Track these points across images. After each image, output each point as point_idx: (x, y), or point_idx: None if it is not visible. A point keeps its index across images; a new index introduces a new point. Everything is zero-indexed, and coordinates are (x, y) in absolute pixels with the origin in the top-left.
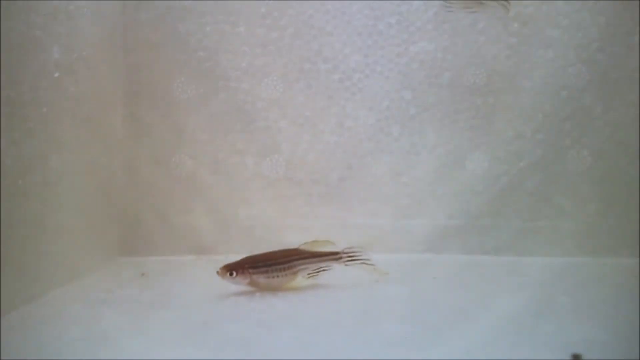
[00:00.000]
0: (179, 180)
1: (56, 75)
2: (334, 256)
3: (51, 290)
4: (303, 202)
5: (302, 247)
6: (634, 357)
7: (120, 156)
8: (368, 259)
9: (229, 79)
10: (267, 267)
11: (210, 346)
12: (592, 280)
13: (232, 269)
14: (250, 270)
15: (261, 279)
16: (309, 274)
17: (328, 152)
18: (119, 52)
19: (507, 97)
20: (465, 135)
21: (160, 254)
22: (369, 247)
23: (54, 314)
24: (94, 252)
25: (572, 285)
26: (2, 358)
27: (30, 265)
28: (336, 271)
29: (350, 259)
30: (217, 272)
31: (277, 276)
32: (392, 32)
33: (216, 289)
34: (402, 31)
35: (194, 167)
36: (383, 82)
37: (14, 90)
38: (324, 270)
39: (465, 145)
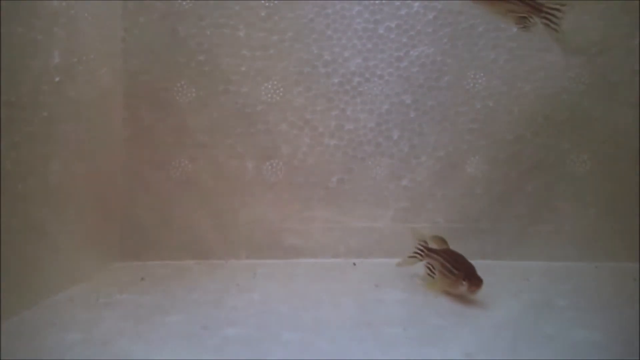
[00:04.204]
0: (179, 184)
1: (57, 79)
2: None
3: (51, 294)
4: (303, 205)
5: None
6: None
7: (121, 160)
8: None
9: (229, 82)
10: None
11: (210, 350)
12: (592, 284)
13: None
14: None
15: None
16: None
17: (328, 155)
18: (119, 55)
19: (506, 101)
20: (465, 138)
21: (160, 259)
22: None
23: (54, 319)
24: (94, 257)
25: (572, 289)
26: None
27: (30, 269)
28: (337, 276)
29: None
30: None
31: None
32: (392, 35)
33: (216, 293)
34: (402, 35)
35: (194, 171)
36: (383, 85)
37: (14, 93)
38: None
39: (465, 149)
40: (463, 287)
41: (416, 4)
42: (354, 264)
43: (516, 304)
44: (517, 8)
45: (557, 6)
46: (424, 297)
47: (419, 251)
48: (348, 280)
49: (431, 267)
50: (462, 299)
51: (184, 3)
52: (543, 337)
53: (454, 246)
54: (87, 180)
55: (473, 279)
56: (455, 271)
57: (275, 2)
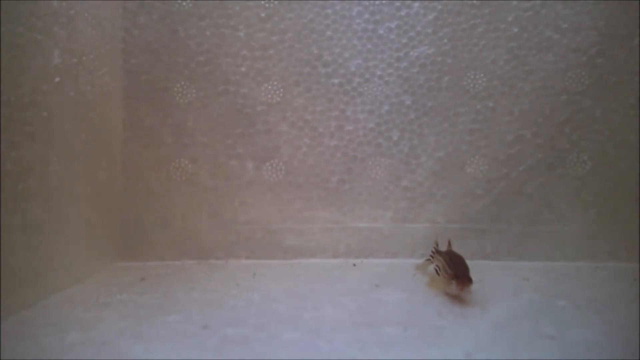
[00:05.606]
0: (179, 184)
1: (57, 79)
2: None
3: (52, 294)
4: (303, 205)
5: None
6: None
7: (120, 160)
8: None
9: (229, 82)
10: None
11: (210, 350)
12: (592, 284)
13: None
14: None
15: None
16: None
17: (328, 155)
18: (119, 56)
19: (506, 101)
20: (464, 139)
21: (160, 259)
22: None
23: (54, 319)
24: (94, 257)
25: (572, 289)
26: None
27: (30, 269)
28: (335, 276)
29: None
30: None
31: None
32: (391, 36)
33: (216, 293)
34: (401, 35)
35: (193, 171)
36: (383, 86)
37: (14, 93)
38: None
39: (465, 149)
40: (452, 286)
41: (416, 4)
42: (354, 264)
43: (516, 304)
44: None
45: None
46: (424, 297)
47: (431, 254)
48: (348, 280)
49: (438, 268)
50: (461, 299)
51: (184, 3)
52: (543, 337)
53: (454, 246)
54: (87, 180)
55: (462, 279)
56: (449, 271)
57: (275, 2)
